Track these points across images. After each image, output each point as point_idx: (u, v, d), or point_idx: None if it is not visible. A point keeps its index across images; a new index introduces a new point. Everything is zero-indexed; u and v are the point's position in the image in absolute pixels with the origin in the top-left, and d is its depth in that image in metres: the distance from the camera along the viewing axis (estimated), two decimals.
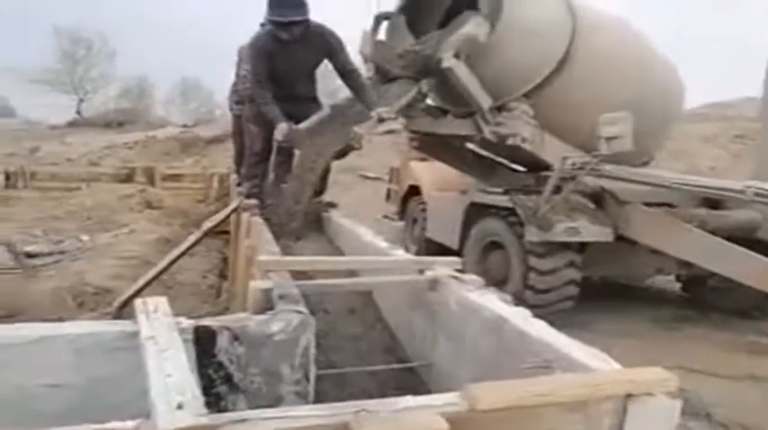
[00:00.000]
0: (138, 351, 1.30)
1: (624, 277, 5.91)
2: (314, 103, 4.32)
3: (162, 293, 5.51)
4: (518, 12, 5.04)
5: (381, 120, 3.97)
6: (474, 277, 1.88)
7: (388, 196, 9.71)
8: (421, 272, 2.06)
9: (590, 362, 1.15)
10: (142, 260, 6.43)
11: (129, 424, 0.84)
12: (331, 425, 0.87)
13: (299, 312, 1.41)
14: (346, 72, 4.13)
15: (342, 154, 3.98)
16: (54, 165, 16.63)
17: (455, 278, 1.90)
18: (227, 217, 4.63)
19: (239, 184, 5.37)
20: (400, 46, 5.44)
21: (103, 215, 9.64)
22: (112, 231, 8.15)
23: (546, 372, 1.20)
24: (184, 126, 26.91)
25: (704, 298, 5.88)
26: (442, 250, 6.40)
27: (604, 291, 5.87)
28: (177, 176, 14.62)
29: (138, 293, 4.39)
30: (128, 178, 14.17)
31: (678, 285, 6.39)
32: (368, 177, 14.63)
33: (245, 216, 3.78)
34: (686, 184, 4.40)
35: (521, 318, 1.46)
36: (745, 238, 4.54)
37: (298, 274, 1.94)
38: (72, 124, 30.04)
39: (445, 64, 4.86)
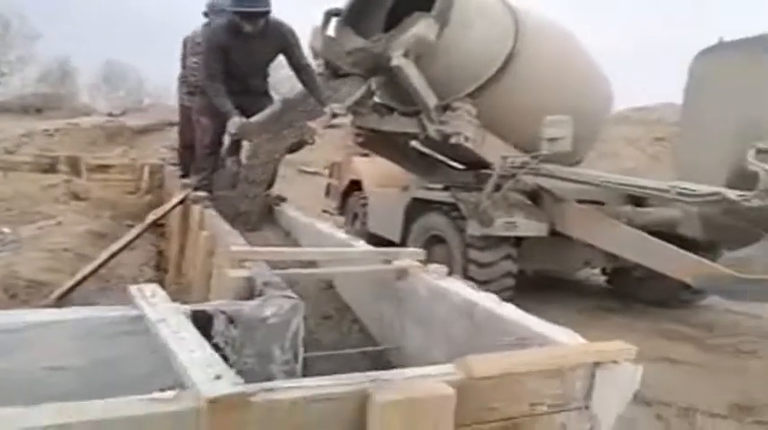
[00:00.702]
0: (140, 334, 1.36)
1: (556, 270, 6.30)
2: (266, 96, 4.35)
3: (101, 286, 5.36)
4: (465, 15, 5.24)
5: (334, 116, 4.06)
6: (439, 266, 2.02)
7: (328, 191, 9.76)
8: (386, 262, 2.18)
9: (560, 337, 1.31)
10: (74, 253, 6.20)
11: (169, 393, 0.92)
12: (353, 393, 0.98)
13: (290, 297, 1.50)
14: (300, 67, 4.17)
15: (295, 148, 4.04)
16: None
17: (421, 268, 2.04)
18: (173, 208, 4.56)
19: (183, 176, 5.28)
20: (349, 43, 5.54)
21: (25, 206, 9.15)
22: (37, 223, 7.77)
23: (521, 347, 1.35)
24: (110, 115, 25.71)
25: (627, 289, 6.33)
26: (384, 244, 6.56)
27: (536, 283, 6.20)
28: (105, 167, 13.97)
29: (77, 286, 4.29)
30: (50, 168, 13.43)
31: (603, 278, 6.84)
32: (306, 172, 14.60)
33: (196, 208, 3.77)
34: (618, 184, 4.76)
35: (491, 301, 1.62)
36: (666, 233, 4.93)
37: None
38: None
39: (394, 62, 5.00)
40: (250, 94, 4.17)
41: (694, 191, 4.07)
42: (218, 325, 1.39)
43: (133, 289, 1.44)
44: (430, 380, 1.04)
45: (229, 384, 0.92)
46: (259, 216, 3.78)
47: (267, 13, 3.76)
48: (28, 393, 1.18)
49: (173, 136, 16.80)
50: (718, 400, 3.66)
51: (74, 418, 0.81)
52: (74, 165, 13.61)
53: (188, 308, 1.39)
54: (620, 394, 1.22)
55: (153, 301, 1.33)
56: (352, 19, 5.79)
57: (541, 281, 6.41)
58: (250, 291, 1.72)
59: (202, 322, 1.38)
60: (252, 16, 3.70)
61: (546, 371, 1.14)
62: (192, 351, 1.04)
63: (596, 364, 1.18)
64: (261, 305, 1.45)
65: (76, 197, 10.60)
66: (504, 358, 1.13)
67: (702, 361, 4.47)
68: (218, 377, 0.93)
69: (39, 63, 33.75)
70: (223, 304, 1.45)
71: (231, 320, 1.41)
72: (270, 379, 1.48)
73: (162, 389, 1.05)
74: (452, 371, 1.09)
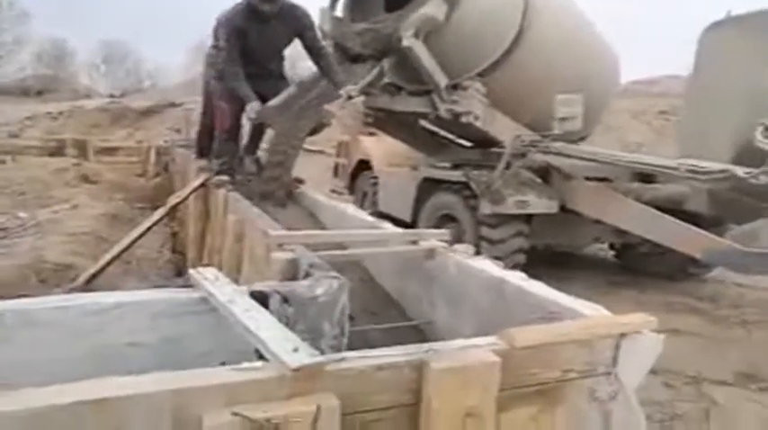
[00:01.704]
0: (202, 314, 1.49)
1: (565, 245, 6.42)
2: (282, 80, 4.44)
3: (123, 269, 5.51)
4: None
5: (349, 98, 4.14)
6: (466, 246, 2.15)
7: (336, 171, 9.85)
8: (413, 242, 2.31)
9: (587, 311, 1.44)
10: (94, 236, 6.37)
11: (257, 364, 1.05)
12: (412, 361, 1.12)
13: (336, 277, 1.63)
14: (315, 50, 4.24)
15: (314, 131, 4.14)
16: None
17: (448, 248, 2.17)
18: (193, 191, 4.69)
19: (201, 157, 5.33)
20: (358, 24, 5.59)
21: (38, 190, 9.31)
22: (51, 207, 7.93)
23: (552, 321, 1.48)
24: (111, 96, 25.73)
25: (635, 263, 6.47)
26: (394, 223, 6.68)
27: (545, 259, 6.35)
28: (112, 150, 14.13)
29: (103, 269, 4.43)
30: (58, 151, 13.57)
31: (611, 253, 6.98)
32: (311, 150, 14.66)
33: (220, 192, 3.89)
34: (628, 161, 4.85)
35: (519, 278, 1.75)
36: (674, 209, 5.04)
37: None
38: None
39: (405, 43, 5.06)
40: (267, 77, 4.26)
41: (703, 168, 4.16)
42: (274, 303, 1.52)
43: (194, 272, 1.57)
44: (478, 349, 1.18)
45: (307, 355, 1.05)
46: (285, 195, 3.90)
47: None
48: (116, 365, 1.33)
49: (177, 116, 16.89)
50: (724, 369, 3.83)
51: (183, 384, 0.95)
52: (81, 148, 13.74)
53: (245, 288, 1.53)
54: (642, 361, 1.36)
55: (218, 284, 1.46)
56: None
57: (550, 256, 6.55)
58: (293, 271, 1.86)
59: (259, 301, 1.51)
60: (272, 1, 3.77)
61: (578, 341, 1.27)
62: (267, 328, 1.18)
63: (622, 335, 1.31)
64: (312, 285, 1.58)
65: (87, 180, 10.76)
66: (541, 330, 1.27)
67: (709, 332, 4.63)
68: (295, 349, 1.07)
69: (33, 43, 33.61)
70: (277, 285, 1.59)
71: (285, 299, 1.54)
72: (320, 351, 1.62)
73: (222, 363, 1.19)
74: (497, 341, 1.22)
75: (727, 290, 5.92)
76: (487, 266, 1.91)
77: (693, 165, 4.18)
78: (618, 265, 6.81)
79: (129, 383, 0.95)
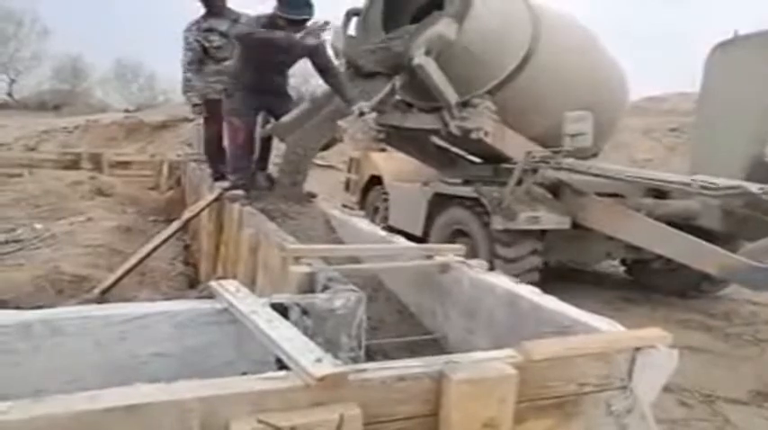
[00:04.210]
0: (223, 325, 1.53)
1: (577, 262, 6.40)
2: (288, 96, 4.56)
3: (138, 280, 5.56)
4: (484, 12, 5.36)
5: (362, 115, 4.20)
6: (480, 261, 2.18)
7: (348, 186, 9.93)
8: (428, 257, 2.34)
9: (602, 325, 1.46)
10: (109, 248, 6.44)
11: (281, 373, 1.08)
12: (430, 373, 1.14)
13: (354, 291, 1.66)
14: (326, 69, 4.30)
15: (326, 146, 4.20)
16: None
17: (462, 262, 2.20)
18: (208, 205, 4.74)
19: (217, 177, 5.30)
20: (371, 42, 5.68)
21: (53, 202, 9.43)
22: (67, 219, 8.03)
23: (566, 335, 1.50)
24: (126, 111, 26.07)
25: (647, 279, 6.46)
26: (405, 238, 6.70)
27: (556, 274, 6.34)
28: (126, 163, 14.30)
29: (119, 280, 4.48)
30: (73, 164, 13.77)
31: (622, 269, 6.96)
32: (320, 166, 14.77)
33: (235, 206, 3.94)
34: (641, 178, 4.86)
35: (533, 293, 1.77)
36: (685, 225, 5.06)
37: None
38: (2, 106, 28.51)
39: (416, 61, 5.14)
40: (275, 93, 4.35)
41: (716, 184, 4.16)
42: (294, 315, 1.56)
43: (215, 284, 1.61)
44: (495, 362, 1.20)
45: (330, 365, 1.08)
46: (299, 198, 3.95)
47: (309, 20, 3.91)
48: (140, 374, 1.36)
49: (190, 130, 17.09)
50: (738, 387, 3.81)
51: (211, 392, 0.98)
52: (96, 162, 13.93)
53: (266, 300, 1.56)
54: (657, 376, 1.37)
55: (239, 295, 1.50)
56: (383, 10, 5.91)
57: (562, 272, 6.55)
58: (310, 284, 1.89)
59: (279, 312, 1.55)
60: (297, 23, 3.86)
61: (593, 354, 1.29)
62: (290, 338, 1.21)
63: (637, 349, 1.33)
64: (330, 298, 1.61)
65: (101, 193, 10.89)
66: (557, 343, 1.29)
67: (721, 349, 4.60)
68: (319, 360, 1.10)
69: (52, 59, 34.21)
70: (297, 297, 1.62)
71: (305, 311, 1.57)
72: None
73: (244, 373, 1.22)
74: (513, 354, 1.24)
75: (740, 307, 5.88)
76: (501, 281, 1.93)
77: (706, 181, 4.19)
78: (629, 282, 6.79)
79: (159, 391, 0.98)
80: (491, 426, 1.16)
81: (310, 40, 3.90)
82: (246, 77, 4.25)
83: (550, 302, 1.67)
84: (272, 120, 4.66)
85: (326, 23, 3.97)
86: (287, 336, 1.22)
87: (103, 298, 4.13)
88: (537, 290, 1.81)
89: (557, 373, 1.26)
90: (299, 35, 3.84)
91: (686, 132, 12.10)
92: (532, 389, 1.24)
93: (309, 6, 3.90)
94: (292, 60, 4.40)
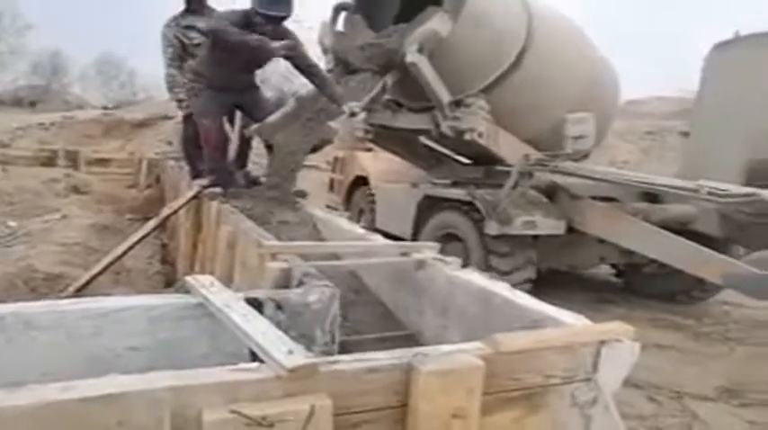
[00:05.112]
0: (198, 319, 1.54)
1: (570, 266, 6.17)
2: (255, 88, 4.47)
3: (113, 279, 5.51)
4: (478, 9, 5.19)
5: (353, 115, 4.15)
6: (455, 259, 2.21)
7: (332, 186, 9.82)
8: (404, 254, 2.37)
9: (569, 320, 1.51)
10: (84, 246, 6.37)
11: (254, 364, 1.11)
12: (399, 365, 1.17)
13: (328, 286, 1.69)
14: (306, 68, 4.20)
15: (316, 148, 4.17)
16: None
17: (438, 259, 2.23)
18: (187, 203, 4.72)
19: (196, 175, 5.27)
20: (360, 38, 5.50)
21: (28, 200, 9.31)
22: (42, 217, 7.93)
23: (535, 329, 1.54)
24: (105, 108, 25.71)
25: (638, 284, 6.37)
26: (392, 240, 6.61)
27: (541, 277, 6.35)
28: (104, 161, 14.14)
29: (93, 279, 4.44)
30: (49, 161, 13.57)
31: (611, 273, 6.92)
32: (304, 166, 14.71)
33: (213, 204, 3.93)
34: (641, 182, 4.72)
35: (505, 289, 1.81)
36: (681, 230, 4.93)
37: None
38: None
39: (409, 59, 4.98)
40: (244, 90, 4.30)
41: (727, 191, 4.00)
42: (268, 310, 1.58)
43: (190, 279, 1.62)
44: (463, 354, 1.23)
45: (302, 357, 1.10)
46: (289, 192, 3.91)
47: (287, 17, 3.89)
48: (114, 368, 1.37)
49: (170, 128, 16.93)
50: (707, 384, 3.90)
51: (184, 382, 1.00)
52: (73, 159, 13.74)
53: (241, 295, 1.58)
54: (620, 368, 1.42)
55: (214, 290, 1.52)
56: (365, 8, 5.73)
57: (543, 274, 6.58)
58: (286, 280, 1.91)
59: (254, 307, 1.57)
60: (274, 20, 3.81)
61: (560, 347, 1.34)
62: (263, 331, 1.23)
63: (602, 342, 1.38)
64: (305, 292, 1.64)
65: (77, 191, 10.77)
66: (525, 336, 1.33)
67: (692, 347, 4.71)
68: (290, 351, 1.12)
69: (30, 54, 33.59)
70: (271, 292, 1.64)
71: (279, 306, 1.60)
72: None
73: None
74: (482, 346, 1.28)
75: (713, 308, 6.00)
76: (475, 278, 1.97)
77: (715, 188, 4.02)
78: (610, 284, 6.80)
79: (133, 381, 1.00)
80: (459, 417, 1.19)
81: (284, 50, 3.82)
82: (214, 75, 4.14)
83: (521, 298, 1.72)
84: (243, 114, 4.62)
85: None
86: (260, 330, 1.25)
87: (77, 296, 4.10)
88: (508, 286, 1.85)
89: (524, 365, 1.30)
90: (275, 44, 3.75)
91: (663, 135, 12.34)
92: (500, 381, 1.27)
93: (288, 3, 3.86)
94: (264, 61, 4.34)
